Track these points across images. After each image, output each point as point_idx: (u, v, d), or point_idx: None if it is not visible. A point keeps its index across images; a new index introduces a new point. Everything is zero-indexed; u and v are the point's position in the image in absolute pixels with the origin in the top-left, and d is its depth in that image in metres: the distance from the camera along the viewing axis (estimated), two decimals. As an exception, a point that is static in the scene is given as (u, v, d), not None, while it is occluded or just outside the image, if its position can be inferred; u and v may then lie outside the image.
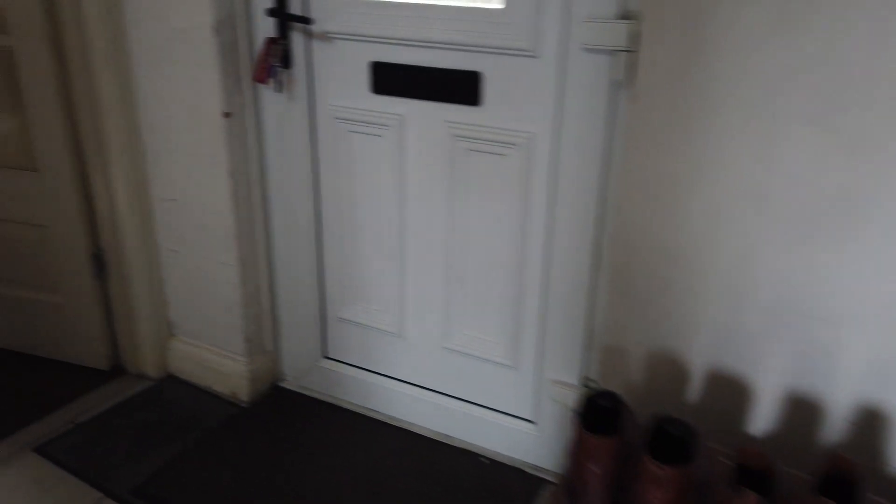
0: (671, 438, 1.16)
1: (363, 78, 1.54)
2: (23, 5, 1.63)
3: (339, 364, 1.85)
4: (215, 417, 1.80)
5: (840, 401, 1.17)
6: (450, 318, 1.64)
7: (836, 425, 1.19)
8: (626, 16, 1.22)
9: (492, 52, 1.38)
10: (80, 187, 1.80)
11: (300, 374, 1.92)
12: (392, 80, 1.51)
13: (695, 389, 1.30)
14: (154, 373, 1.96)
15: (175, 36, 1.59)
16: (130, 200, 1.79)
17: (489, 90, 1.41)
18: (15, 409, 1.81)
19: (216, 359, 1.89)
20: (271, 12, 1.52)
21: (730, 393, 1.27)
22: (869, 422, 1.16)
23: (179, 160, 1.72)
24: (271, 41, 1.56)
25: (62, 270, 1.91)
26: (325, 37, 1.54)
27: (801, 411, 1.21)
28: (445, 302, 1.63)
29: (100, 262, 1.89)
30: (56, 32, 1.66)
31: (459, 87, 1.44)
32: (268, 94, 1.65)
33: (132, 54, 1.67)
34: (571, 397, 1.51)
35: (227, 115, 1.62)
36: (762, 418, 1.25)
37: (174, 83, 1.64)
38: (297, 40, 1.57)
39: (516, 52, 1.35)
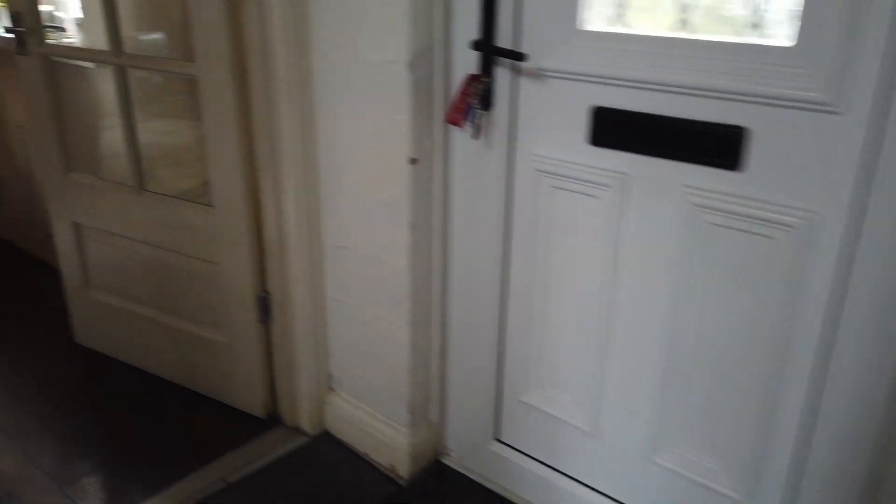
0: None
1: (580, 126, 1.25)
2: (210, 34, 1.52)
3: (513, 451, 1.58)
4: (372, 495, 1.60)
5: None
6: (662, 426, 1.31)
7: None
8: None
9: (767, 104, 1.04)
10: (253, 226, 1.68)
11: (466, 454, 1.67)
12: (618, 130, 1.21)
13: None
14: (310, 428, 1.80)
15: (364, 69, 1.40)
16: (301, 243, 1.64)
17: (756, 151, 1.07)
18: (172, 452, 1.72)
19: (376, 424, 1.69)
20: (477, 45, 1.28)
21: None
22: None
23: (355, 205, 1.54)
24: (472, 78, 1.32)
25: (229, 310, 1.80)
26: (538, 75, 1.27)
27: None
28: (659, 406, 1.30)
29: (265, 305, 1.76)
30: (240, 62, 1.54)
31: (712, 145, 1.11)
32: (460, 138, 1.41)
33: (316, 87, 1.51)
34: (836, 565, 1.13)
35: (413, 161, 1.41)
36: None
37: (358, 121, 1.46)
38: (501, 78, 1.32)
39: (807, 106, 1.00)
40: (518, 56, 1.25)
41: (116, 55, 1.74)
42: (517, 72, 1.30)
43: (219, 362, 1.88)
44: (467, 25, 1.32)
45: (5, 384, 2.00)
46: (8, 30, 1.87)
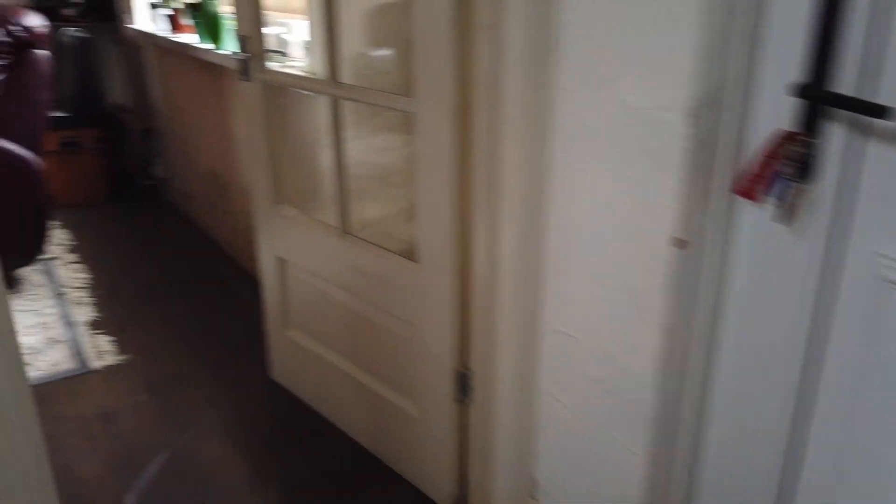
0: None
1: (976, 223, 0.79)
2: (433, 67, 1.27)
3: None
4: None
5: None
6: None
7: None
8: None
9: None
10: (460, 291, 1.41)
11: None
12: None
13: None
14: (503, 537, 1.50)
15: (622, 117, 1.05)
16: (514, 320, 1.34)
17: None
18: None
19: (587, 559, 1.33)
20: (804, 91, 0.87)
21: None
22: None
23: (590, 287, 1.19)
24: (786, 137, 0.91)
25: (423, 380, 1.56)
26: (904, 139, 0.83)
27: None
28: None
29: (465, 383, 1.48)
30: (464, 100, 1.27)
31: None
32: (753, 218, 1.01)
33: (554, 136, 1.19)
34: None
35: (680, 242, 1.03)
36: None
37: (607, 182, 1.11)
38: (834, 139, 0.89)
39: None
40: (876, 111, 0.81)
41: (332, 85, 1.57)
42: (863, 132, 0.86)
43: (407, 435, 1.65)
44: (782, 61, 0.92)
45: (195, 413, 1.95)
46: (235, 55, 1.81)
